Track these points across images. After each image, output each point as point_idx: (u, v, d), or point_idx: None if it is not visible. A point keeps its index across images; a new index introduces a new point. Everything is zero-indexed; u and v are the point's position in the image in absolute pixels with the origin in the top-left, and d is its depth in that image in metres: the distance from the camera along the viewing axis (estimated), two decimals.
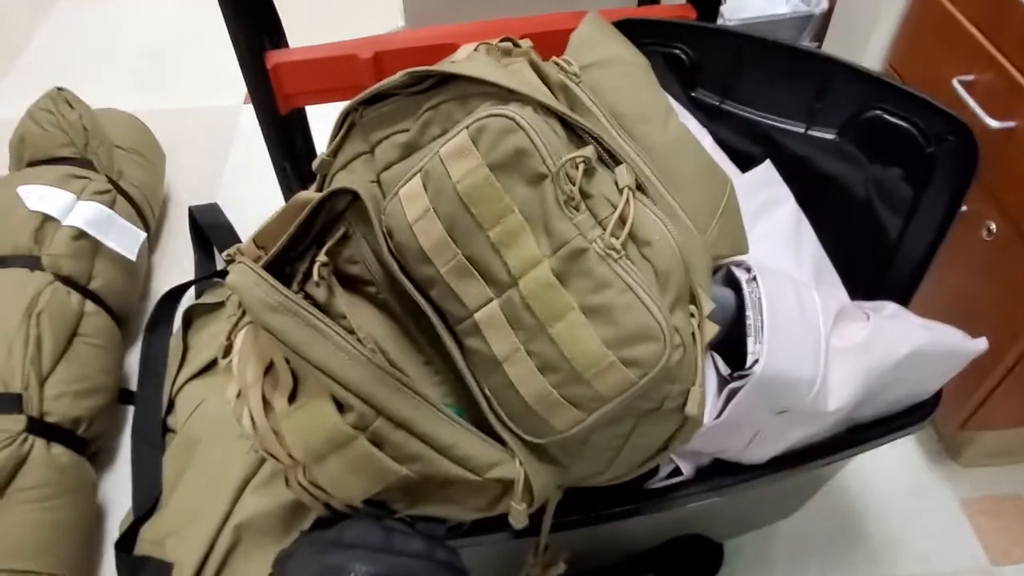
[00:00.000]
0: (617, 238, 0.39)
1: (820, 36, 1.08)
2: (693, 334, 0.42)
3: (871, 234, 0.66)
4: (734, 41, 0.63)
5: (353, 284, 0.49)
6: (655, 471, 0.58)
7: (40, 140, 1.08)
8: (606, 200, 0.40)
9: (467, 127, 0.40)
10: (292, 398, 0.45)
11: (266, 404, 0.48)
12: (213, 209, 1.20)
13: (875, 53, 0.92)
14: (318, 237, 0.49)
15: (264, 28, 0.63)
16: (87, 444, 0.90)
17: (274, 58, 0.62)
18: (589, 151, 0.40)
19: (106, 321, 0.99)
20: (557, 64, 0.48)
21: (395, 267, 0.45)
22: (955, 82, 0.77)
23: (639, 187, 0.41)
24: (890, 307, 0.60)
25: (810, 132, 0.64)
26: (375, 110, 0.47)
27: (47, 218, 0.97)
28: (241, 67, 0.61)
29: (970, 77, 0.77)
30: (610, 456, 0.47)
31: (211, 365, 1.04)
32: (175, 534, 0.84)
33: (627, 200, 0.40)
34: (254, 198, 1.31)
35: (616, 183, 0.41)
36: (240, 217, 1.20)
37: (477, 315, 0.42)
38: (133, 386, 1.04)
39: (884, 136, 0.60)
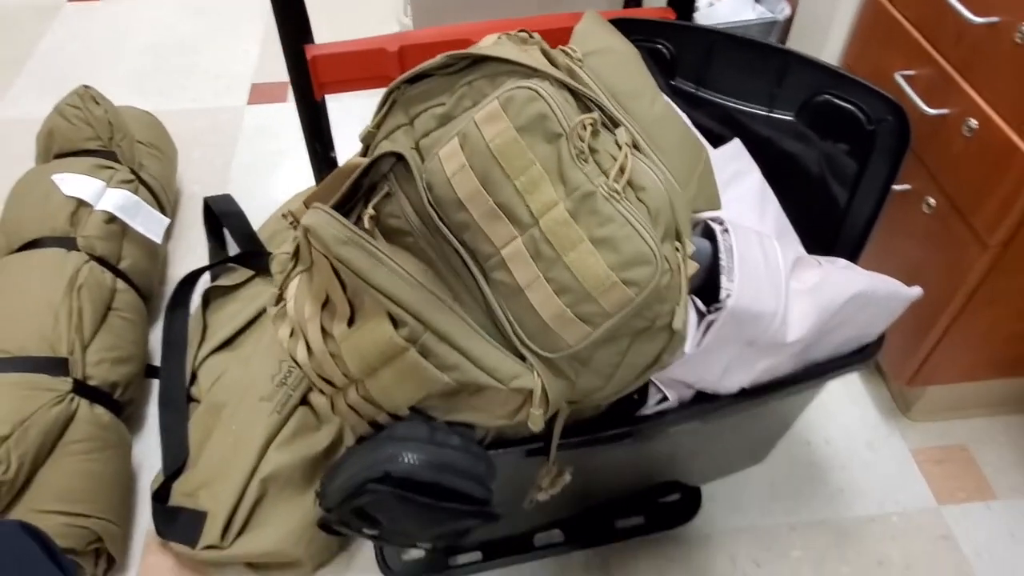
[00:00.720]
0: (618, 184, 0.49)
1: (783, 40, 1.20)
2: (678, 265, 0.52)
3: (824, 203, 0.77)
4: (707, 37, 0.74)
5: (393, 236, 0.58)
6: (645, 401, 0.68)
7: (68, 133, 1.16)
8: (608, 155, 0.51)
9: (498, 97, 0.50)
10: (350, 324, 0.54)
11: (324, 333, 0.57)
12: (227, 199, 1.29)
13: (831, 54, 1.04)
14: (365, 195, 0.59)
15: (301, 27, 0.72)
16: (122, 408, 0.98)
17: (312, 51, 0.72)
18: (595, 116, 0.51)
19: (135, 298, 1.07)
20: (563, 51, 0.58)
21: (434, 215, 0.54)
22: (897, 76, 0.89)
23: (634, 145, 0.52)
24: (840, 261, 0.71)
25: (771, 114, 0.75)
26: (415, 88, 0.57)
27: (81, 203, 1.06)
28: (286, 58, 0.70)
29: (911, 72, 0.89)
30: (609, 372, 0.57)
31: (230, 341, 1.12)
32: (206, 487, 0.92)
33: (626, 154, 0.50)
34: (261, 190, 1.41)
35: (616, 141, 0.51)
36: (249, 207, 1.28)
37: (504, 251, 0.52)
38: (156, 362, 1.12)
39: (833, 117, 0.72)
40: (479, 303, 0.55)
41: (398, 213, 0.58)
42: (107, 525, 0.84)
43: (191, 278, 1.20)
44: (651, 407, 0.68)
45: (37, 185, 1.07)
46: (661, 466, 0.87)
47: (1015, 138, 0.74)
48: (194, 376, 1.08)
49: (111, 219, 1.07)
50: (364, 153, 0.62)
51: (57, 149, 1.17)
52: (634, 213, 0.49)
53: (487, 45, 0.55)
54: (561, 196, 0.50)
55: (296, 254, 0.63)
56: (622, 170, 0.50)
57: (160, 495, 0.92)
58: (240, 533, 0.89)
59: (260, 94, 1.66)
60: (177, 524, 0.90)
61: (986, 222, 0.80)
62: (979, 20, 0.76)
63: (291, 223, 0.67)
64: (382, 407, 0.55)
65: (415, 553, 0.90)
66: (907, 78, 0.89)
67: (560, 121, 0.50)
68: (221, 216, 1.26)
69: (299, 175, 1.44)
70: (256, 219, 1.27)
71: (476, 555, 0.91)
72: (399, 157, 0.57)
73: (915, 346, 0.96)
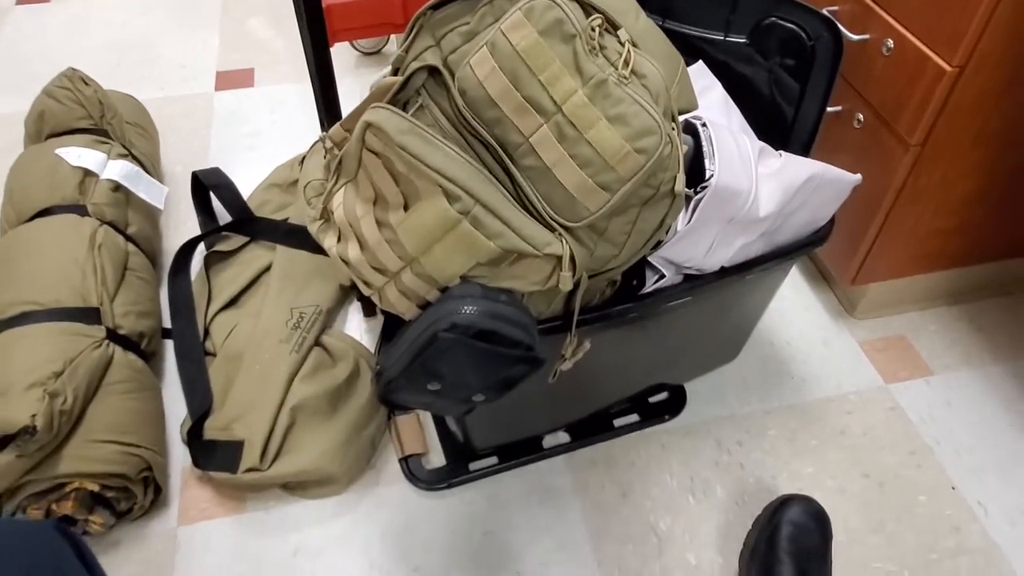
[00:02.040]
0: (625, 72, 0.61)
1: None
2: (676, 139, 0.63)
3: (774, 116, 0.90)
4: None
5: None
6: (644, 283, 0.80)
7: (60, 114, 1.21)
8: (614, 50, 0.62)
9: (520, 8, 0.61)
10: (405, 209, 0.64)
11: (379, 224, 0.66)
12: (216, 172, 1.35)
13: None
14: (402, 109, 0.68)
15: None
16: (148, 358, 1.04)
17: (326, 1, 0.81)
18: (601, 18, 0.62)
19: (145, 260, 1.13)
20: None
21: (468, 115, 0.64)
22: (824, 11, 1.03)
23: (633, 43, 0.63)
24: (794, 155, 0.84)
25: (727, 39, 0.88)
26: (440, 12, 0.67)
27: (87, 173, 1.11)
28: (300, 10, 0.79)
29: (835, 7, 1.03)
30: (622, 241, 0.68)
31: (236, 299, 1.19)
32: (239, 419, 1.00)
33: (628, 49, 0.61)
34: (242, 169, 1.47)
35: (619, 40, 0.62)
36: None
37: (532, 138, 0.63)
38: (166, 324, 1.18)
39: (779, 36, 0.85)
40: (509, 189, 0.66)
41: (431, 122, 0.68)
42: (154, 455, 0.91)
43: (189, 246, 1.26)
44: (649, 286, 0.79)
45: (40, 159, 1.12)
46: (651, 366, 0.99)
47: (926, 50, 0.89)
48: (207, 332, 1.15)
49: (116, 187, 1.13)
50: (394, 75, 0.71)
51: (49, 130, 1.21)
52: (640, 94, 0.61)
53: None
54: (579, 85, 0.61)
55: (338, 170, 0.72)
56: (626, 61, 0.61)
57: (194, 433, 0.99)
58: (276, 457, 0.97)
59: (226, 81, 1.72)
60: (216, 454, 0.96)
61: (907, 126, 0.95)
62: None
63: (330, 147, 0.76)
64: (436, 281, 0.65)
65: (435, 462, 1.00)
66: (833, 12, 1.03)
67: (574, 23, 0.60)
68: (212, 188, 1.32)
69: (277, 152, 1.51)
70: (244, 192, 1.34)
71: (492, 459, 1.01)
72: (431, 70, 0.67)
73: (854, 249, 1.10)
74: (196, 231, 1.31)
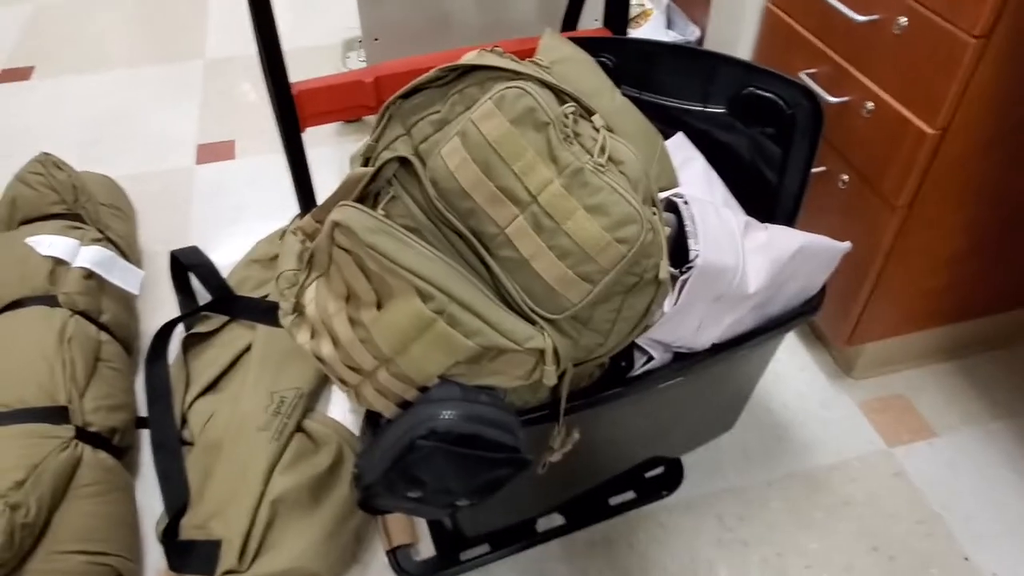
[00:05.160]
0: (601, 159, 0.59)
1: None
2: (658, 225, 0.61)
3: (758, 183, 0.89)
4: (644, 47, 0.85)
5: None
6: (633, 365, 0.76)
7: (33, 200, 1.18)
8: (589, 137, 0.60)
9: (490, 98, 0.59)
10: (378, 308, 0.61)
11: (352, 322, 0.63)
12: (194, 251, 1.32)
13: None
14: (372, 201, 0.66)
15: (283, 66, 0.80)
16: (121, 454, 1.00)
17: (297, 87, 0.80)
18: (574, 106, 0.60)
19: (119, 349, 1.09)
20: (533, 61, 0.68)
21: (441, 206, 0.62)
22: (802, 74, 1.03)
23: (608, 128, 0.61)
24: (781, 226, 0.82)
25: (706, 109, 0.86)
26: (410, 101, 0.65)
27: (58, 261, 1.08)
28: (274, 95, 0.78)
29: (813, 70, 1.03)
30: (607, 328, 0.65)
31: (215, 384, 1.15)
32: (217, 516, 0.95)
33: (604, 135, 0.60)
34: (223, 244, 1.44)
35: (593, 126, 0.61)
36: (212, 259, 1.32)
37: (508, 229, 0.60)
38: (143, 413, 1.13)
39: (758, 106, 0.84)
40: (486, 281, 0.63)
41: (404, 213, 0.65)
42: (125, 562, 0.86)
43: (167, 329, 1.22)
44: (638, 369, 0.76)
45: (10, 249, 1.09)
46: (645, 440, 0.95)
47: (905, 112, 0.88)
48: (184, 420, 1.10)
49: (89, 275, 1.10)
50: (365, 165, 0.69)
51: (22, 216, 1.19)
52: (618, 182, 0.58)
53: (471, 57, 0.64)
54: (554, 174, 0.59)
55: (309, 263, 0.69)
56: (603, 148, 0.59)
57: (169, 532, 0.94)
58: (256, 556, 0.92)
59: (207, 153, 1.70)
60: (192, 556, 0.91)
61: (891, 188, 0.93)
62: (862, 18, 0.90)
63: (302, 239, 0.74)
64: (413, 381, 0.62)
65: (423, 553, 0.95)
66: (810, 75, 1.03)
67: (546, 111, 0.59)
68: (190, 267, 1.30)
69: (259, 225, 1.48)
70: (222, 270, 1.31)
71: (484, 547, 0.97)
72: (402, 161, 0.65)
73: (848, 310, 1.08)
74: (175, 311, 1.28)
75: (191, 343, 1.21)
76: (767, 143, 0.87)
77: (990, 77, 0.80)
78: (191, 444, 1.07)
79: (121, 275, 1.14)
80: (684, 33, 1.35)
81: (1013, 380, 1.18)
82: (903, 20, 0.85)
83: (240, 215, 1.52)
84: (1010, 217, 1.00)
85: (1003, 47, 0.78)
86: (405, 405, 0.65)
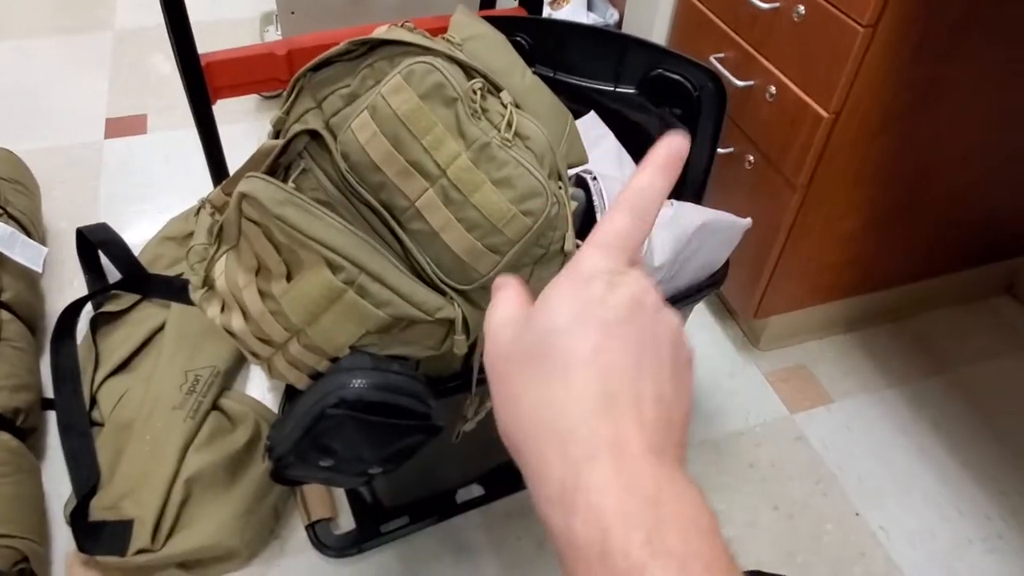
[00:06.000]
0: (508, 134, 0.60)
1: None
2: (563, 198, 0.63)
3: None
4: (558, 28, 0.87)
5: None
6: None
7: None
8: (497, 113, 0.61)
9: (399, 72, 0.60)
10: (288, 280, 0.61)
11: (262, 295, 0.63)
12: (103, 228, 1.27)
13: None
14: (283, 174, 0.66)
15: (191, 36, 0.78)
16: (25, 436, 0.96)
17: (207, 58, 0.78)
18: (482, 82, 0.61)
19: (22, 328, 1.05)
20: (444, 38, 0.69)
21: (352, 179, 0.63)
22: (712, 59, 1.07)
23: (515, 105, 0.63)
24: (687, 203, 0.86)
25: (617, 89, 0.89)
26: (320, 74, 0.65)
27: None
28: (181, 66, 0.76)
29: (721, 55, 1.07)
30: None
31: (126, 363, 1.13)
32: (128, 495, 0.93)
33: (511, 111, 0.61)
34: (134, 221, 1.40)
35: (501, 102, 0.62)
36: (123, 237, 1.28)
37: (418, 202, 0.61)
38: (49, 394, 1.10)
39: (666, 87, 0.87)
40: (398, 253, 0.64)
41: (315, 186, 0.65)
42: (31, 545, 0.83)
43: (74, 308, 1.18)
44: None
45: None
46: None
47: (804, 96, 0.93)
48: (93, 401, 1.08)
49: None
50: (276, 137, 0.69)
51: None
52: (524, 156, 0.60)
53: (382, 32, 0.65)
54: (462, 148, 0.60)
55: (219, 237, 0.69)
56: (509, 124, 0.61)
57: (78, 514, 0.92)
58: (170, 534, 0.91)
59: (117, 128, 1.64)
60: (102, 537, 0.90)
61: (792, 168, 0.98)
62: (765, 6, 0.94)
63: (211, 212, 0.73)
64: (324, 352, 0.62)
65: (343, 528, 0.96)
66: (719, 59, 1.07)
67: (455, 87, 0.60)
68: (99, 245, 1.25)
69: (173, 202, 1.44)
70: (133, 248, 1.27)
71: (404, 519, 0.98)
72: (313, 134, 0.65)
73: (754, 284, 1.13)
74: (83, 291, 1.23)
75: (100, 322, 1.17)
76: (676, 123, 0.91)
77: (877, 64, 0.85)
78: (101, 425, 1.05)
79: (23, 251, 1.10)
80: (604, 16, 1.38)
81: (905, 350, 1.26)
82: (801, 8, 0.89)
83: (152, 191, 1.48)
84: (901, 196, 1.07)
85: (889, 36, 0.83)
86: (317, 376, 0.65)
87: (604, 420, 0.27)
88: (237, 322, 0.66)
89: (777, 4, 0.93)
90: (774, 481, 1.07)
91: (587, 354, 0.28)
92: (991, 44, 0.91)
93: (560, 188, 0.64)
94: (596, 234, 0.32)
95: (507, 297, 0.33)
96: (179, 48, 0.75)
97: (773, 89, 0.98)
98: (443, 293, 0.63)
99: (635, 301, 0.30)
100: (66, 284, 1.28)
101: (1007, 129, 1.04)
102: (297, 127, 0.67)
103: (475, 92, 0.60)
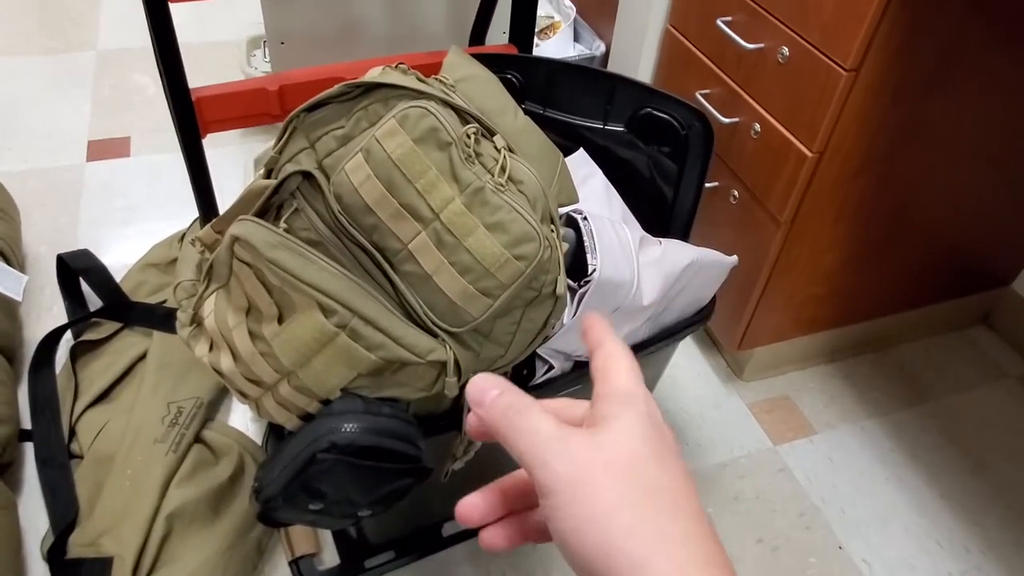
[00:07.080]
0: (501, 179, 0.61)
1: None
2: (555, 242, 0.64)
3: (655, 198, 0.93)
4: (548, 66, 0.88)
5: None
6: (535, 374, 0.79)
7: None
8: (490, 157, 0.62)
9: (394, 116, 0.60)
10: (279, 322, 0.61)
11: (252, 336, 0.63)
12: (85, 254, 1.26)
13: (643, 80, 1.24)
14: (275, 214, 0.66)
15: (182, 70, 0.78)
16: (3, 470, 0.94)
17: (197, 93, 0.78)
18: (475, 126, 0.62)
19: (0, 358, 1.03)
20: (437, 79, 0.69)
21: (345, 221, 0.63)
22: (697, 95, 1.09)
23: (509, 149, 0.63)
24: (674, 241, 0.86)
25: (606, 127, 0.90)
26: (314, 115, 0.65)
27: None
28: (170, 100, 0.75)
29: (707, 91, 1.09)
30: (508, 341, 0.67)
31: (106, 393, 1.11)
32: (108, 532, 0.92)
33: (504, 155, 0.62)
34: (115, 246, 1.38)
35: (495, 146, 0.63)
36: (105, 262, 1.27)
37: (411, 245, 0.61)
38: (27, 426, 1.08)
39: (655, 126, 0.88)
40: (390, 295, 0.64)
41: (307, 226, 0.65)
42: None
43: (53, 336, 1.16)
44: (540, 378, 0.79)
45: None
46: None
47: (788, 135, 0.95)
48: (72, 432, 1.06)
49: None
50: (267, 177, 0.69)
51: None
52: (517, 201, 0.61)
53: (376, 74, 0.65)
54: (456, 193, 0.60)
55: (208, 275, 0.68)
56: (503, 168, 0.61)
57: (56, 551, 0.90)
58: (151, 572, 0.89)
59: (99, 150, 1.63)
60: (80, 575, 0.88)
61: (776, 204, 1.00)
62: (750, 46, 0.96)
63: (201, 250, 0.72)
64: (315, 394, 0.62)
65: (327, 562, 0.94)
66: (705, 96, 1.08)
67: (449, 132, 0.60)
68: (80, 272, 1.24)
69: (156, 227, 1.43)
70: (115, 274, 1.26)
71: (389, 554, 0.97)
72: (306, 175, 0.65)
73: (738, 316, 1.15)
74: (63, 318, 1.21)
75: (80, 351, 1.15)
76: (664, 160, 0.92)
77: (860, 107, 0.87)
78: (80, 457, 1.03)
79: (2, 280, 1.08)
80: (590, 47, 1.39)
81: (885, 380, 1.28)
82: (786, 50, 0.91)
83: (134, 216, 1.46)
84: (881, 232, 1.09)
85: (871, 80, 0.85)
86: (307, 418, 0.65)
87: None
88: (226, 362, 0.65)
89: (762, 45, 0.95)
90: (758, 513, 1.07)
91: None
92: (965, 89, 0.93)
93: (552, 231, 0.64)
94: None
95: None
96: (169, 84, 0.75)
97: (758, 127, 0.99)
98: (435, 335, 0.63)
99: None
100: (45, 311, 1.26)
101: (980, 167, 1.06)
102: (290, 167, 0.66)
103: (469, 136, 0.61)
